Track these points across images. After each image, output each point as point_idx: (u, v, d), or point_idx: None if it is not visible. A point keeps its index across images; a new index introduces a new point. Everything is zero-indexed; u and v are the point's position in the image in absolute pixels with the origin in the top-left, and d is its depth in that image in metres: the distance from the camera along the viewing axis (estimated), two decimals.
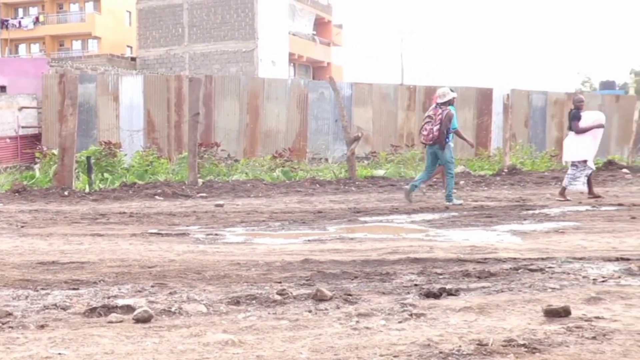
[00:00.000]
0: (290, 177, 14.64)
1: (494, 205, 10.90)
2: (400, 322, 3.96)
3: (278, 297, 4.54)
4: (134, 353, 3.39)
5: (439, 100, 11.65)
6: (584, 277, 5.35)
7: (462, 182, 14.11)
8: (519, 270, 5.56)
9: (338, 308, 4.31)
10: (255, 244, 7.19)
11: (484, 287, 4.96)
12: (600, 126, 11.73)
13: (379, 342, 3.52)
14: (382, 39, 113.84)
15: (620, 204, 10.80)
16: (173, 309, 4.26)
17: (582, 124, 11.62)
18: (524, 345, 3.40)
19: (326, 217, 9.47)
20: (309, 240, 7.41)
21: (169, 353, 3.39)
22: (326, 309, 4.28)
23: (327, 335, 3.65)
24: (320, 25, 47.48)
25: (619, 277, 5.33)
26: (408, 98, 19.71)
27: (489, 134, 20.66)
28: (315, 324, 3.93)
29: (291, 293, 4.66)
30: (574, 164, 11.90)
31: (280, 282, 5.10)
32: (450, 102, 11.72)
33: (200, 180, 13.38)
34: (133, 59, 43.74)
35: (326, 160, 17.20)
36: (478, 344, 3.41)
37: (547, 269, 5.61)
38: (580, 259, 6.11)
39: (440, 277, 5.36)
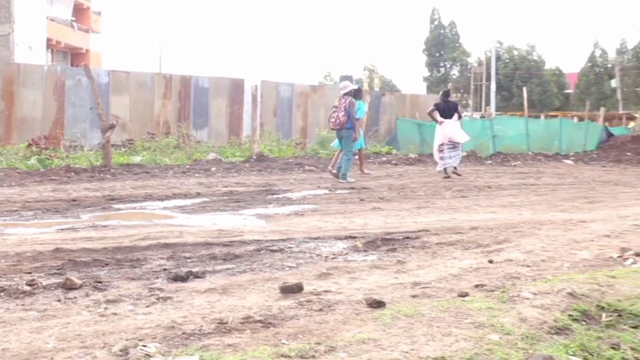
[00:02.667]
0: (46, 166, 13.91)
1: (243, 190, 11.16)
2: (147, 306, 4.00)
3: (27, 288, 4.36)
4: None
5: (342, 92, 13.35)
6: (317, 255, 5.76)
7: (213, 169, 14.27)
8: (262, 251, 5.83)
9: (87, 296, 4.24)
10: (7, 235, 6.83)
11: (228, 269, 5.15)
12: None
13: (126, 327, 3.53)
14: (141, 27, 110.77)
15: (352, 188, 11.64)
16: None
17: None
18: (260, 321, 3.60)
19: (80, 206, 9.15)
20: (61, 229, 7.11)
21: None
22: (75, 298, 4.20)
23: (75, 324, 3.59)
24: (79, 12, 45.11)
25: (347, 254, 5.83)
26: (164, 87, 19.51)
27: (241, 122, 21.01)
28: (64, 312, 3.84)
29: (41, 283, 4.50)
30: (456, 146, 14.40)
31: (30, 273, 4.89)
32: (351, 93, 13.37)
33: None
34: None
35: (82, 148, 16.56)
36: (219, 323, 3.55)
37: (286, 249, 5.95)
38: (316, 238, 6.55)
39: (189, 260, 5.43)
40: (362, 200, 9.95)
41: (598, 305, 3.84)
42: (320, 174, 14.02)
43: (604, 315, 3.76)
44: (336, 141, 14.11)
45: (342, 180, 12.83)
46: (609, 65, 67.46)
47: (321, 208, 9.06)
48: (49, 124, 17.98)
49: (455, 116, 14.59)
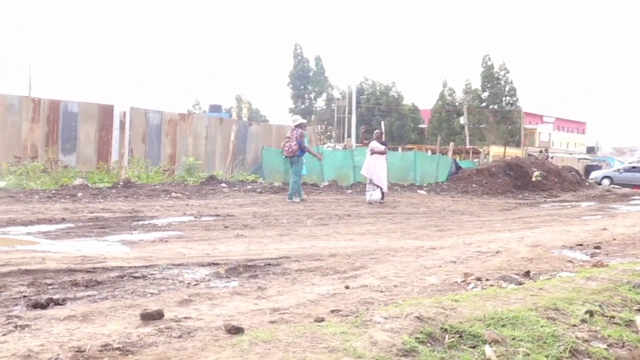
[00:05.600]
0: None
1: (108, 216, 10.82)
2: (4, 334, 3.80)
3: None
4: None
5: (293, 124, 15.83)
6: (180, 281, 5.66)
7: (80, 194, 13.72)
8: (124, 278, 5.67)
9: None
10: None
11: (90, 296, 4.98)
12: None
13: None
14: (10, 48, 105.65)
15: (217, 215, 11.53)
16: None
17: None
18: (118, 348, 3.50)
19: None
20: None
21: None
22: None
23: None
24: None
25: (209, 280, 5.77)
26: (33, 110, 18.59)
27: (109, 148, 20.33)
28: None
29: None
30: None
31: None
32: (302, 126, 15.77)
33: None
34: None
35: None
36: (76, 351, 3.42)
37: (149, 276, 5.81)
38: (179, 265, 6.44)
39: (50, 287, 5.22)
40: (226, 227, 9.89)
41: (442, 328, 4.00)
42: (186, 201, 13.81)
43: (447, 336, 3.92)
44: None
45: (287, 200, 14.91)
46: (457, 104, 71.17)
47: (186, 235, 8.93)
48: None
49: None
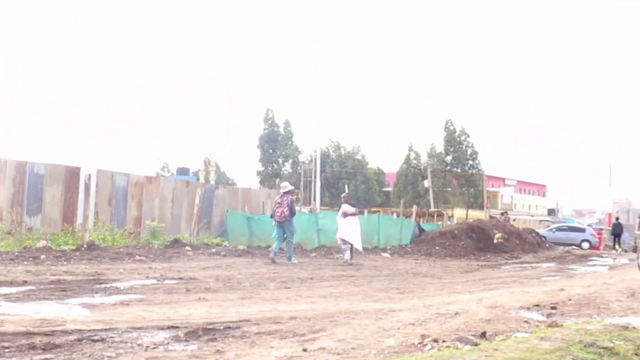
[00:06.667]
0: None
1: (71, 279, 10.68)
2: None
3: None
4: None
5: (282, 191, 16.82)
6: (138, 345, 5.63)
7: (43, 257, 13.52)
8: (83, 341, 5.62)
9: None
10: None
11: (46, 359, 4.94)
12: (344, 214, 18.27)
13: None
14: None
15: (180, 278, 11.46)
16: None
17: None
18: None
19: None
20: None
21: None
22: None
23: None
24: None
25: (168, 344, 5.74)
26: None
27: (75, 210, 20.14)
28: None
29: None
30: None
31: None
32: (291, 192, 16.83)
33: None
34: None
35: None
36: None
37: (108, 339, 5.77)
38: (139, 328, 6.39)
39: (7, 350, 5.17)
40: (188, 290, 9.83)
41: None
42: (150, 264, 13.70)
43: None
44: (275, 232, 16.64)
45: (287, 262, 15.90)
46: (421, 168, 72.13)
47: (147, 298, 8.85)
48: None
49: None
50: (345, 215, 18.20)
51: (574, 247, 36.20)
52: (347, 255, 17.88)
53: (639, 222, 18.25)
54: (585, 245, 38.95)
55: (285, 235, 16.46)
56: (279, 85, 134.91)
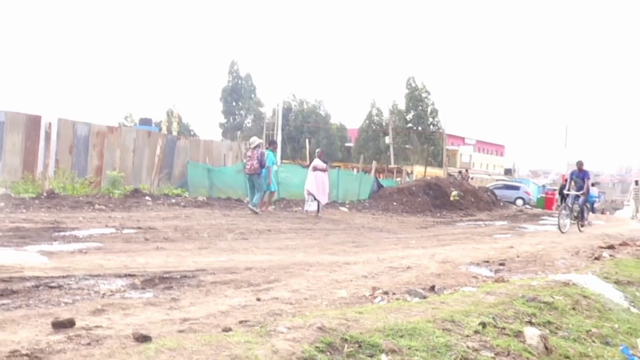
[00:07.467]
0: None
1: (30, 227, 10.57)
2: None
3: None
4: None
5: (251, 146, 17.25)
6: (95, 292, 5.68)
7: (2, 204, 13.37)
8: (40, 288, 5.65)
9: None
10: None
11: (3, 304, 4.96)
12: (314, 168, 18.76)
13: None
14: None
15: (139, 227, 11.45)
16: None
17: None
18: (26, 354, 3.53)
19: None
20: None
21: None
22: None
23: None
24: None
25: (124, 291, 5.81)
26: None
27: (35, 158, 19.85)
28: None
29: None
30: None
31: None
32: (260, 146, 17.29)
33: None
34: None
35: None
36: None
37: (65, 286, 5.81)
38: (96, 276, 6.44)
39: None
40: (146, 240, 9.86)
41: (342, 338, 4.17)
42: (110, 213, 13.65)
43: (346, 346, 4.09)
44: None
45: (251, 207, 16.47)
46: (383, 124, 72.31)
47: (106, 246, 8.86)
48: None
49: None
50: (315, 169, 18.77)
51: (508, 203, 36.90)
52: (307, 206, 18.71)
53: (570, 183, 18.38)
54: (520, 202, 40.43)
55: (255, 188, 17.08)
56: (244, 38, 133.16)
